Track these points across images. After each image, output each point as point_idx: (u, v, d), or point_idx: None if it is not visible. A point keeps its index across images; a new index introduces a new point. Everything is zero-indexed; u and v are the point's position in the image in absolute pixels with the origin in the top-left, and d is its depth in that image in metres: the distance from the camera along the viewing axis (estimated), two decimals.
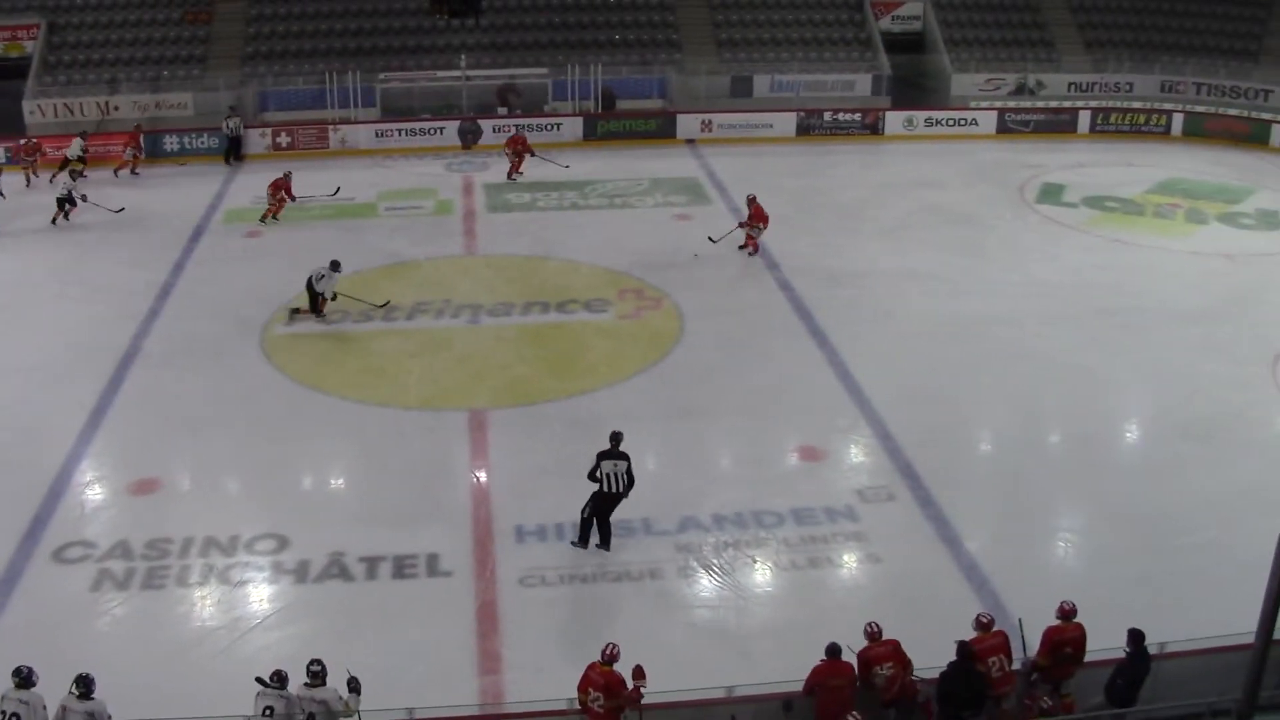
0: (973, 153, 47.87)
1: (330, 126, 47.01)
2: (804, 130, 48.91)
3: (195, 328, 30.84)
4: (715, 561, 21.47)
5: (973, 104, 51.85)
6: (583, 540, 21.55)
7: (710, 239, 35.87)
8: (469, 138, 46.28)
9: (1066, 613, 17.31)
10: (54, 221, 37.73)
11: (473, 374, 28.46)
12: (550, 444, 25.25)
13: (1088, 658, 16.98)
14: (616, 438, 21.50)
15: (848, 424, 26.55)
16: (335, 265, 31.44)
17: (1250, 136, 50.94)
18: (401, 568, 21.12)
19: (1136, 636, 16.60)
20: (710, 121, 47.83)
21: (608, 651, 16.01)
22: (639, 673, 15.86)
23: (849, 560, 21.81)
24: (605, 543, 21.54)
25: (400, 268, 34.92)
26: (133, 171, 43.49)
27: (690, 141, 47.59)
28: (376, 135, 47.18)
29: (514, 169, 43.25)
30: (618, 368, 28.73)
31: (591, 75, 48.28)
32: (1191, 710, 14.99)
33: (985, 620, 17.23)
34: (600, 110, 48.40)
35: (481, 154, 45.12)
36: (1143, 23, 56.80)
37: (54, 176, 41.06)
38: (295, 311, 31.32)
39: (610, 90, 48.91)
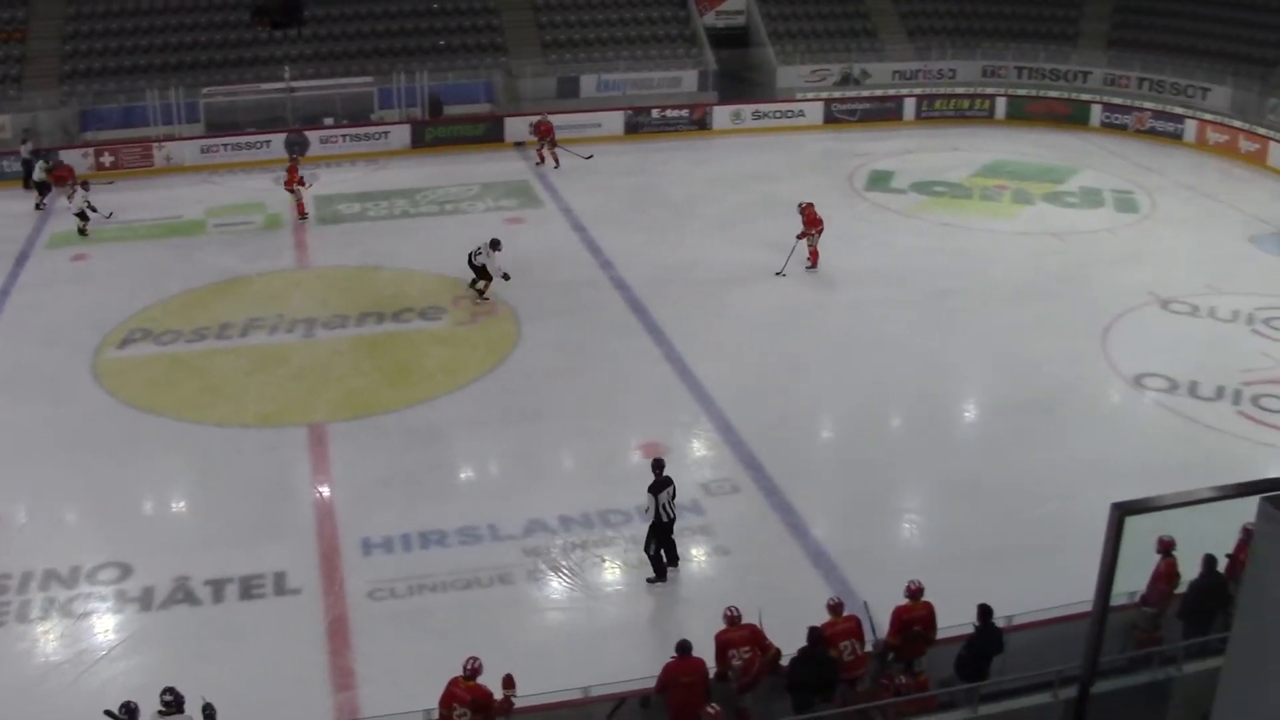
0: (801, 144, 48.44)
1: (154, 144, 46.22)
2: (632, 128, 49.13)
3: (25, 355, 30.23)
4: (564, 563, 21.54)
5: (799, 96, 52.42)
6: (661, 575, 21.13)
7: (779, 273, 34.77)
8: (296, 149, 45.79)
9: (914, 592, 17.58)
10: None
11: (310, 388, 28.23)
12: (391, 455, 25.15)
13: (938, 635, 17.29)
14: (659, 465, 21.13)
15: (689, 419, 26.75)
16: (495, 244, 32.66)
17: (1071, 117, 52.30)
18: (249, 588, 20.89)
19: (984, 611, 16.94)
20: (538, 124, 47.82)
21: (469, 666, 15.93)
22: (509, 681, 15.82)
23: (697, 554, 21.95)
24: (674, 561, 21.31)
25: (232, 284, 34.48)
26: None
27: (519, 144, 47.55)
28: (202, 151, 46.45)
29: (547, 157, 45.44)
30: (456, 375, 28.67)
31: (417, 82, 48.06)
32: (1042, 679, 15.28)
33: (835, 604, 17.48)
34: (428, 117, 48.20)
35: (309, 165, 44.70)
36: (963, 10, 57.98)
37: None
38: (476, 288, 32.85)
39: (437, 96, 48.72)
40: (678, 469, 24.49)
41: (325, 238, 38.15)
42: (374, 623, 20.03)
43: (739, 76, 54.87)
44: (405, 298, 32.89)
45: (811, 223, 34.86)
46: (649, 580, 21.02)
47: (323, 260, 36.16)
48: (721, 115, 50.10)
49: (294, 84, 48.35)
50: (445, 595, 20.71)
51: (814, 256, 34.97)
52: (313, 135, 46.40)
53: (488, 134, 47.65)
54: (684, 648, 16.38)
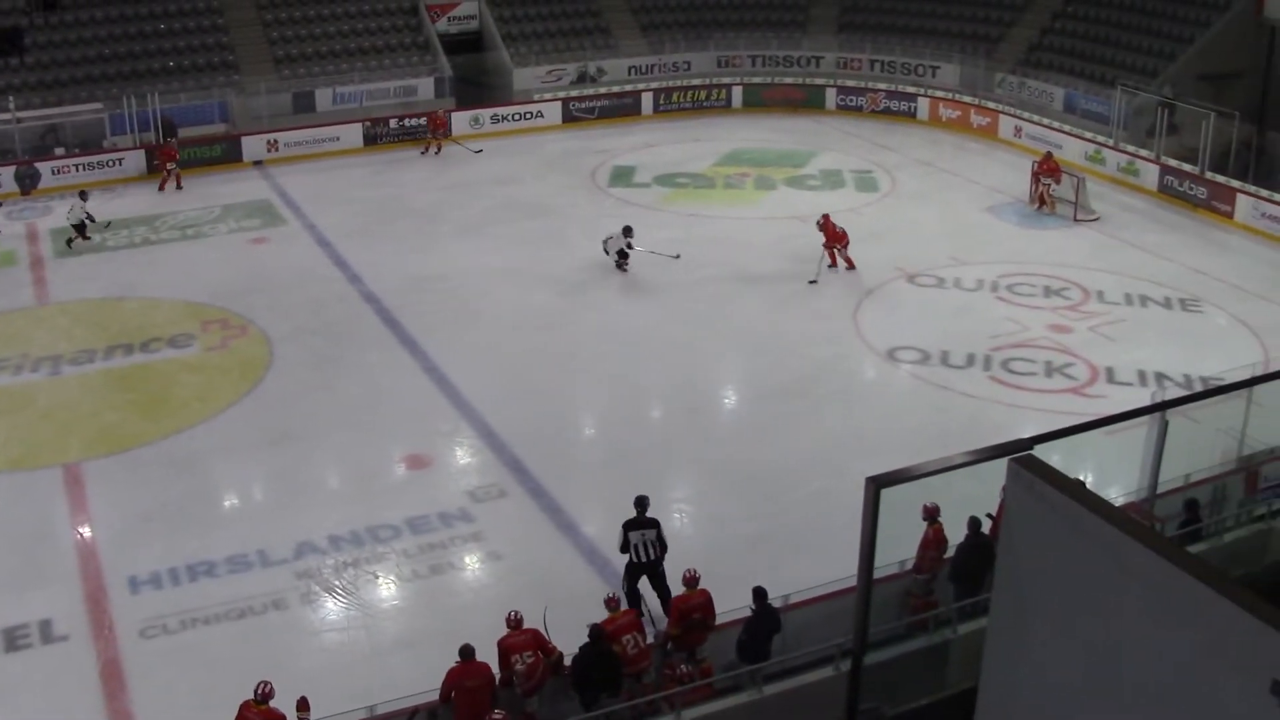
0: (542, 144, 48.55)
1: None
2: (371, 140, 48.65)
3: None
4: (337, 583, 21.34)
5: (536, 97, 52.50)
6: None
7: (811, 281, 34.18)
8: (27, 182, 44.31)
9: (690, 580, 17.79)
10: None
11: (61, 427, 27.35)
12: (151, 488, 24.54)
13: (718, 620, 17.51)
14: (642, 503, 20.17)
15: (450, 427, 26.69)
16: (627, 230, 34.92)
17: (807, 102, 53.40)
18: (13, 639, 20.21)
19: (760, 593, 17.22)
20: (276, 141, 47.08)
21: (261, 690, 15.75)
22: (303, 704, 15.70)
23: (470, 562, 21.97)
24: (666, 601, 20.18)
25: None
26: None
27: (258, 163, 46.76)
28: None
29: (430, 146, 48.08)
30: (211, 401, 28.11)
31: (149, 106, 46.90)
32: (823, 654, 15.54)
33: (613, 600, 17.59)
34: (161, 141, 47.09)
35: (42, 199, 43.28)
36: (694, 2, 58.73)
37: None
38: (621, 256, 34.97)
39: (170, 119, 47.58)
40: (442, 478, 24.64)
41: (64, 271, 36.94)
42: (149, 662, 19.57)
43: (475, 81, 54.75)
44: (153, 327, 32.08)
45: (833, 237, 34.55)
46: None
47: (63, 295, 35.02)
48: (460, 121, 49.89)
49: (19, 114, 46.82)
50: (219, 626, 20.33)
51: (847, 262, 34.89)
52: (43, 166, 44.96)
53: (225, 154, 46.73)
54: (467, 652, 16.37)
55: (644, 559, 19.68)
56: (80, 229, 38.16)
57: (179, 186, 44.03)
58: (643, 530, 19.71)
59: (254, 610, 20.68)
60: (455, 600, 21.14)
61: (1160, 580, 5.22)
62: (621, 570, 20.15)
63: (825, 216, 34.89)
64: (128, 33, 50.93)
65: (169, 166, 44.29)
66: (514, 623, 16.99)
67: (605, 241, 34.74)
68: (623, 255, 34.70)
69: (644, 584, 19.68)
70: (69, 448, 26.43)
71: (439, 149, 48.10)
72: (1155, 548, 5.33)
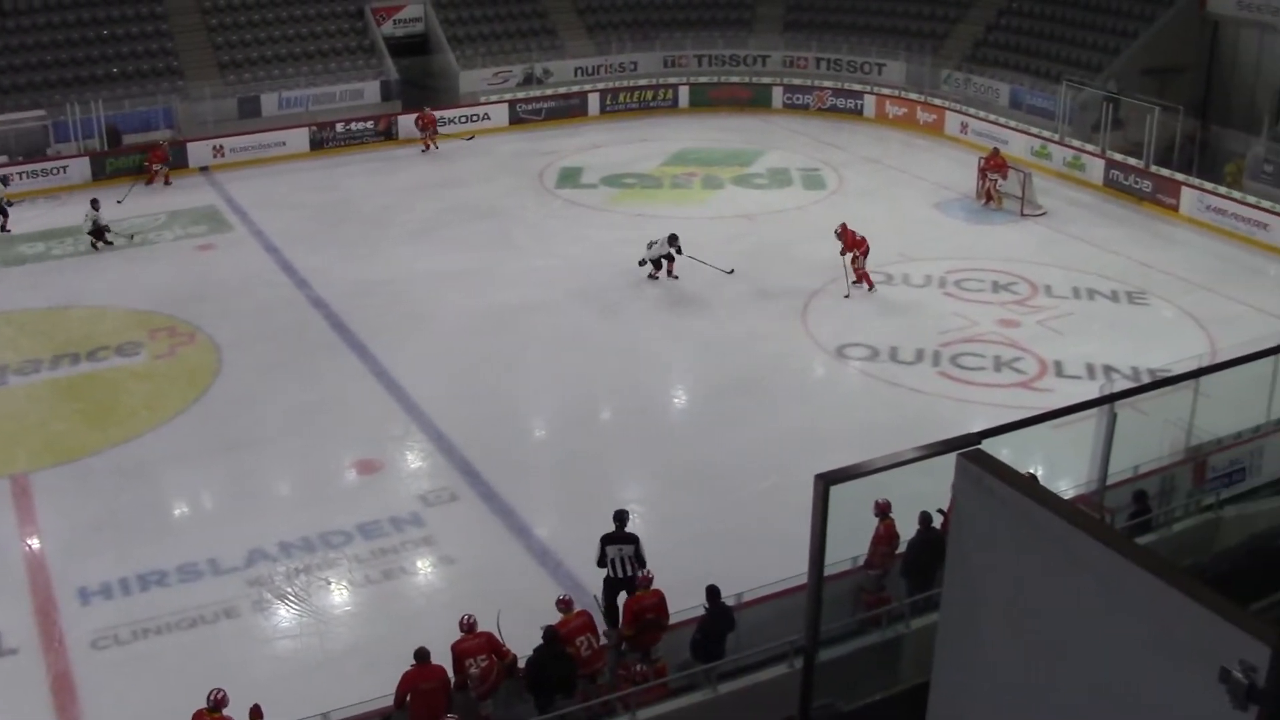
0: (489, 147, 48.45)
1: None
2: (318, 144, 48.44)
3: None
4: (289, 590, 21.24)
5: (483, 99, 52.38)
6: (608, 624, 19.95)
7: (846, 296, 33.21)
8: None
9: (643, 581, 17.80)
10: None
11: (7, 438, 27.07)
12: (101, 498, 24.36)
13: (672, 620, 17.50)
14: (621, 518, 19.80)
15: (401, 431, 26.61)
16: (673, 238, 33.82)
17: (753, 101, 53.54)
18: None
19: (713, 592, 17.23)
20: (222, 146, 46.79)
21: (214, 697, 15.68)
22: (256, 712, 15.66)
23: (423, 566, 21.91)
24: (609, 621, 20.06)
25: None
26: None
27: (204, 169, 46.43)
28: None
29: (427, 145, 48.44)
30: (159, 410, 27.92)
31: (93, 113, 46.56)
32: (777, 651, 15.59)
33: (565, 601, 17.57)
34: (106, 148, 46.75)
35: None
36: (640, 3, 58.66)
37: None
38: (671, 274, 34.24)
39: (115, 126, 47.28)
40: (393, 482, 24.56)
41: (9, 280, 36.57)
42: (100, 673, 19.43)
43: (422, 84, 54.58)
44: (100, 336, 31.82)
45: (852, 244, 33.32)
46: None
47: (8, 304, 34.66)
48: (407, 124, 49.67)
49: None
50: (171, 636, 20.21)
51: (864, 278, 33.38)
52: None
53: (171, 161, 46.44)
54: (422, 655, 16.36)
55: (621, 574, 19.37)
56: (99, 234, 38.11)
57: (167, 182, 44.69)
58: (620, 545, 19.42)
59: (206, 619, 20.55)
60: (408, 605, 21.08)
61: (1109, 572, 5.23)
62: (579, 577, 20.26)
63: (843, 225, 33.78)
64: (70, 39, 50.48)
65: (156, 167, 44.91)
66: (467, 626, 16.94)
67: (650, 245, 34.06)
68: (658, 265, 34.03)
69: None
70: (16, 459, 26.17)
71: (427, 147, 48.38)
72: (1104, 540, 5.34)
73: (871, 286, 33.30)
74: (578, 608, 17.62)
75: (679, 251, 33.81)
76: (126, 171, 45.21)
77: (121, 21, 51.43)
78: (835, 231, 33.82)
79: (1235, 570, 9.18)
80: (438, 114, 49.18)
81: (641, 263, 34.09)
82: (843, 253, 33.51)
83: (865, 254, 33.30)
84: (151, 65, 50.64)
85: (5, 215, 39.67)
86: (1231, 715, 4.69)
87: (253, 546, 22.31)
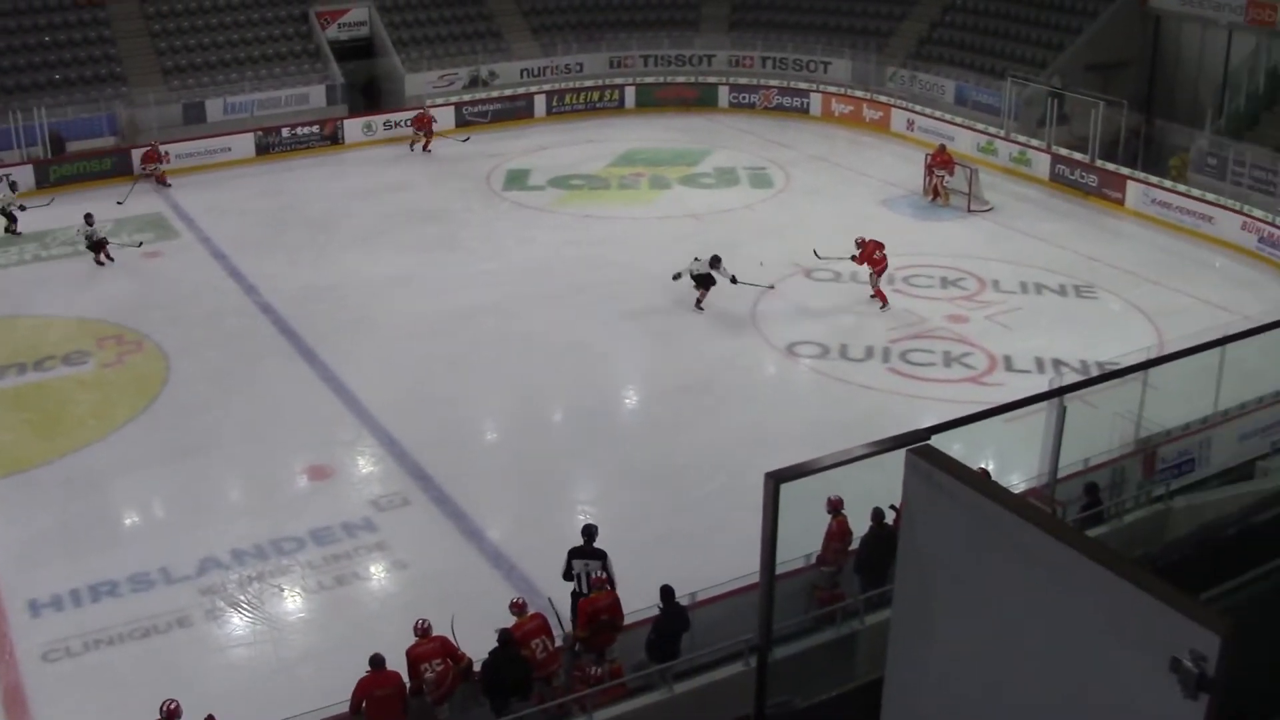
0: (435, 149, 48.25)
1: None
2: (264, 149, 48.17)
3: None
4: (242, 598, 21.12)
5: (429, 102, 52.22)
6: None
7: (884, 307, 32.35)
8: None
9: (597, 583, 17.80)
10: None
11: None
12: (50, 509, 24.14)
13: (626, 621, 17.50)
14: (589, 532, 19.54)
15: (351, 437, 26.51)
16: (715, 260, 31.99)
17: (700, 100, 53.63)
18: None
19: (667, 592, 17.25)
20: (167, 153, 46.29)
21: (167, 708, 15.57)
22: None
23: (376, 571, 21.85)
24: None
25: None
26: None
27: (148, 175, 46.16)
28: None
29: (419, 144, 48.58)
30: (108, 419, 27.71)
31: (36, 120, 46.19)
32: (733, 650, 15.61)
33: (520, 604, 17.56)
34: (50, 155, 46.39)
35: None
36: (585, 4, 58.62)
37: None
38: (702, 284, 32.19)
39: (58, 133, 46.91)
40: (344, 488, 24.48)
41: None
42: (52, 685, 19.28)
43: (367, 88, 54.45)
44: (46, 345, 31.50)
45: (868, 259, 32.39)
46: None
47: None
48: (353, 128, 49.58)
49: None
50: (124, 646, 20.06)
51: (880, 295, 32.45)
52: None
53: (115, 168, 46.03)
54: (377, 661, 16.32)
55: (587, 590, 19.11)
56: (98, 248, 37.11)
57: (162, 181, 44.83)
58: (587, 560, 19.25)
59: (159, 629, 20.42)
60: (362, 610, 21.03)
61: (1060, 564, 5.26)
62: (533, 579, 20.36)
63: (870, 242, 32.68)
64: (11, 45, 50.01)
65: (148, 168, 44.99)
66: (421, 631, 16.91)
67: (694, 263, 32.34)
68: (699, 284, 32.19)
69: None
70: None
71: (426, 146, 48.65)
72: (1054, 532, 5.37)
73: (885, 304, 32.34)
74: (531, 610, 17.60)
75: (731, 280, 31.96)
76: (70, 179, 44.87)
77: (64, 28, 50.97)
78: (856, 241, 32.78)
79: (1185, 560, 9.24)
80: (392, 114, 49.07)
81: (676, 276, 32.46)
82: (859, 261, 32.68)
83: (880, 271, 32.39)
84: (95, 71, 50.25)
85: (14, 220, 39.52)
86: (1182, 704, 4.73)
87: (205, 555, 22.18)
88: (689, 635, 17.11)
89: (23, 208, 39.62)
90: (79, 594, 21.24)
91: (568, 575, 19.23)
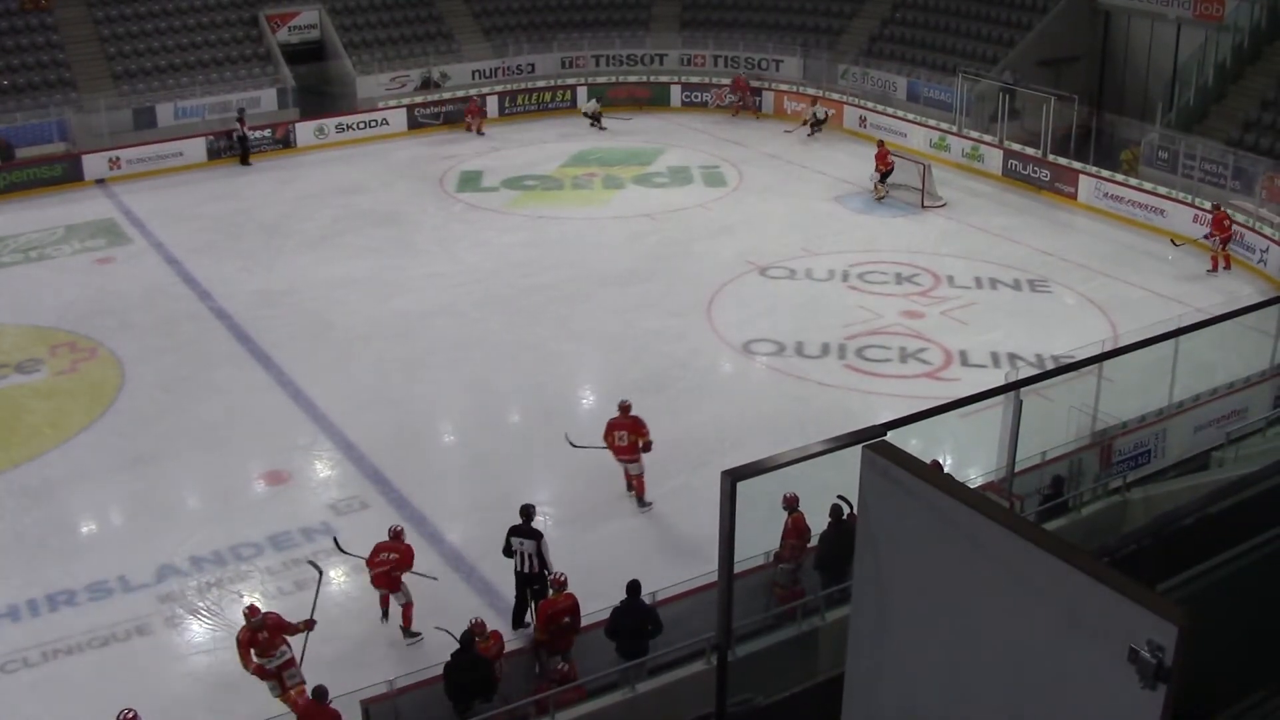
0: (388, 152, 48.24)
1: None
2: (215, 154, 47.91)
3: None
4: (201, 604, 21.04)
5: (381, 104, 52.15)
6: (516, 621, 19.77)
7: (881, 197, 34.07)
8: None
9: (557, 584, 17.82)
10: None
11: None
12: (5, 519, 23.97)
13: (586, 622, 17.53)
14: (526, 512, 19.77)
15: (308, 441, 26.43)
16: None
17: (652, 100, 53.71)
18: None
19: (632, 588, 17.27)
20: (118, 158, 46.21)
21: (125, 717, 15.50)
22: None
23: (335, 576, 21.70)
24: (517, 619, 19.87)
25: None
26: None
27: (100, 181, 45.84)
28: None
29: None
30: (62, 427, 27.54)
31: None
32: (694, 648, 15.67)
33: (478, 625, 17.55)
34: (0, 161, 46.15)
35: None
36: (536, 4, 58.65)
37: None
38: None
39: (6, 140, 46.65)
40: (302, 492, 24.39)
41: None
42: (11, 697, 19.13)
43: (319, 91, 54.28)
44: None
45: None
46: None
47: None
48: (305, 131, 49.44)
49: None
50: (83, 656, 19.96)
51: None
52: None
53: (66, 174, 45.79)
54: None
55: (527, 569, 19.47)
56: None
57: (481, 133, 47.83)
58: (522, 539, 19.51)
59: (118, 637, 20.32)
60: (321, 615, 20.85)
61: (1016, 558, 5.28)
62: (491, 581, 20.47)
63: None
64: None
65: (472, 121, 50.47)
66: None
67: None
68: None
69: None
70: None
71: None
72: (1010, 526, 5.39)
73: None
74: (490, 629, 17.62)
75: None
76: (19, 186, 44.46)
77: (11, 33, 50.61)
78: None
79: (1142, 551, 9.29)
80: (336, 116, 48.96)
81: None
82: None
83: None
84: (43, 77, 49.94)
85: None
86: (1140, 694, 4.75)
87: (163, 562, 22.09)
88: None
89: None
90: (36, 604, 21.11)
91: (507, 552, 19.56)
